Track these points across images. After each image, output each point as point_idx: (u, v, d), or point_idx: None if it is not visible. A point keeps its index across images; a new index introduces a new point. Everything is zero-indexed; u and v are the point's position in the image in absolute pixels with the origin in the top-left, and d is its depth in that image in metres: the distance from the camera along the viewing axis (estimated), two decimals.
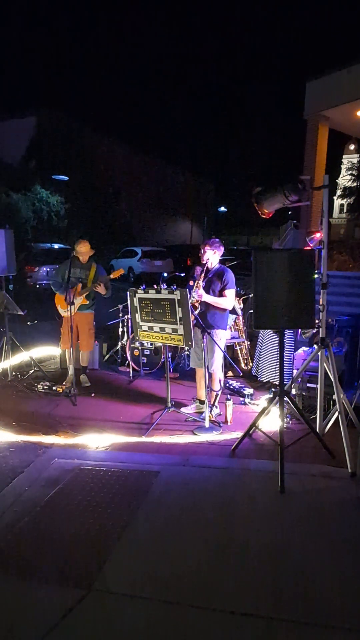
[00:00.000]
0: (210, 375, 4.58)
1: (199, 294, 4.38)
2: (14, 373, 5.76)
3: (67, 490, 3.20)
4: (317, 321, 3.88)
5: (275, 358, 5.18)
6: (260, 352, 5.57)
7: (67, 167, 21.36)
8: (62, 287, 5.37)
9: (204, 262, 4.52)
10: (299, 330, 5.08)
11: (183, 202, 31.86)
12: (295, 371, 4.64)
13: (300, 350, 4.97)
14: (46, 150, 21.74)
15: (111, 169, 25.95)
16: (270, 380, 5.37)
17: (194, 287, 4.44)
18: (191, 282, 4.55)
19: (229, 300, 4.50)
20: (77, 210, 21.89)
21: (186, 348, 5.81)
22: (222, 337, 4.63)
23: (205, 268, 4.53)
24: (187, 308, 4.10)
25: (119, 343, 6.60)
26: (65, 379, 5.56)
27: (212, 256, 4.52)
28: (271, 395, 3.95)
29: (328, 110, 10.44)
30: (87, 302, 5.49)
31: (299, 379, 4.47)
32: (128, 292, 4.68)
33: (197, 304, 4.45)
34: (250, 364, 6.22)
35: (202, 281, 4.49)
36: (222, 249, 4.59)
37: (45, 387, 5.34)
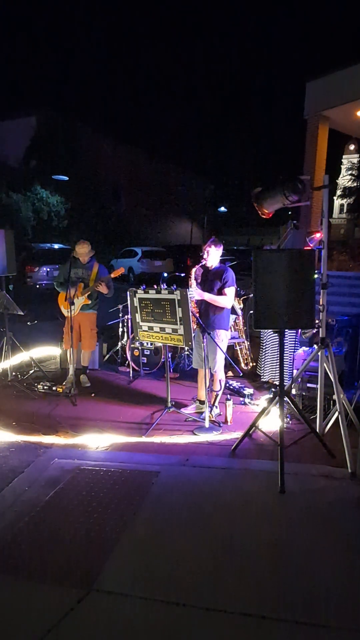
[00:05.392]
0: (211, 375, 4.59)
1: (190, 294, 4.38)
2: (14, 373, 5.75)
3: (67, 490, 3.20)
4: (317, 321, 3.88)
5: (277, 357, 5.18)
6: (264, 353, 5.55)
7: (67, 167, 21.38)
8: (64, 285, 5.36)
9: (204, 263, 4.56)
10: (299, 330, 5.08)
11: (183, 202, 31.84)
12: (295, 371, 4.64)
13: (300, 350, 4.97)
14: (46, 150, 21.74)
15: (111, 168, 25.95)
16: (271, 380, 5.37)
17: (189, 286, 4.49)
18: (190, 283, 4.61)
19: (229, 298, 4.49)
20: (77, 210, 21.90)
21: (186, 348, 5.82)
22: (224, 337, 4.61)
23: (198, 268, 4.61)
24: (187, 308, 4.10)
25: (119, 343, 6.60)
26: (65, 379, 5.55)
27: (216, 255, 4.56)
28: (271, 395, 3.95)
29: (328, 110, 10.43)
30: (90, 302, 5.48)
31: (299, 379, 4.47)
32: (128, 292, 4.69)
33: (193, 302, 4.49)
34: (250, 364, 6.23)
35: (202, 282, 4.53)
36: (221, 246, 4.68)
37: (45, 387, 5.34)
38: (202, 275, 4.62)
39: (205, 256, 4.54)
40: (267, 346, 5.43)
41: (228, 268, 4.58)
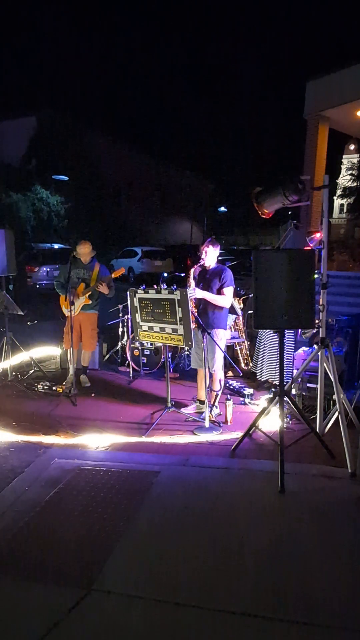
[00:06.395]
0: (211, 375, 4.59)
1: (190, 293, 4.38)
2: (14, 373, 5.75)
3: (67, 490, 3.20)
4: (317, 321, 3.88)
5: (275, 357, 5.19)
6: (259, 351, 5.57)
7: (67, 167, 21.37)
8: (64, 288, 5.37)
9: (202, 262, 4.57)
10: (299, 330, 5.08)
11: (183, 202, 31.84)
12: (295, 371, 4.64)
13: (300, 350, 4.97)
14: (46, 150, 21.73)
15: (111, 168, 25.93)
16: (270, 380, 5.37)
17: (188, 286, 4.49)
18: (189, 282, 4.61)
19: (227, 298, 4.51)
20: (77, 210, 21.89)
21: (186, 348, 5.82)
22: (223, 337, 4.63)
23: (196, 268, 4.62)
24: (187, 308, 4.10)
25: (119, 343, 6.60)
26: (65, 379, 5.55)
27: (213, 255, 4.56)
28: (271, 395, 3.95)
29: (328, 110, 10.41)
30: (90, 302, 5.48)
31: (299, 379, 4.47)
32: (128, 292, 4.69)
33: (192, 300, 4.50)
34: (250, 364, 6.23)
35: (200, 282, 4.54)
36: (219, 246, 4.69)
37: (45, 387, 5.34)
38: (200, 275, 4.63)
39: (203, 256, 4.55)
40: (264, 345, 5.43)
41: (226, 268, 4.60)
